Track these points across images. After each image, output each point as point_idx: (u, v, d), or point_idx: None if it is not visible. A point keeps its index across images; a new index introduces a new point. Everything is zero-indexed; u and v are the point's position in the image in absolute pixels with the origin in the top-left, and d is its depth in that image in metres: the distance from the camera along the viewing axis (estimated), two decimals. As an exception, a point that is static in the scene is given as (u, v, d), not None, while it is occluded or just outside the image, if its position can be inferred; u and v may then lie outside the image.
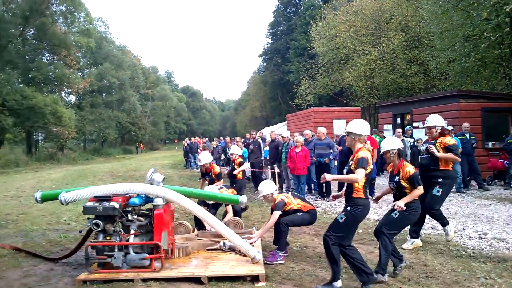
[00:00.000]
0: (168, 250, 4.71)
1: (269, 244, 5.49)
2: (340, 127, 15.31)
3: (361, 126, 4.01)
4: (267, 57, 40.71)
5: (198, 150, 17.76)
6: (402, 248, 5.16)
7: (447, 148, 5.23)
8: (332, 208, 8.24)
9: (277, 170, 9.16)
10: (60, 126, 28.72)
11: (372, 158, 4.30)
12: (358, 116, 18.07)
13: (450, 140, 5.31)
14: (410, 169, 4.52)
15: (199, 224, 6.04)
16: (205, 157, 6.89)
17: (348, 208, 3.87)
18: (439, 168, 5.24)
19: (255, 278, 4.20)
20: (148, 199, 4.77)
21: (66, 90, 37.37)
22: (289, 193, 5.41)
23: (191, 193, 5.13)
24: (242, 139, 15.49)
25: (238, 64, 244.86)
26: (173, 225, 5.15)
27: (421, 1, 17.35)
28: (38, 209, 8.48)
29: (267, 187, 5.14)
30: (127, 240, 4.45)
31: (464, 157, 8.81)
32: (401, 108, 14.84)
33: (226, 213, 6.40)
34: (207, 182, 6.99)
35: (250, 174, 11.65)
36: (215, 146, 16.08)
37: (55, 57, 34.05)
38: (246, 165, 7.49)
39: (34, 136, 33.76)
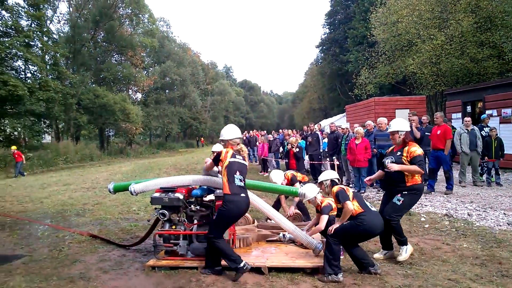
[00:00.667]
0: (230, 240, 4.88)
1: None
2: (403, 118, 14.62)
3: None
4: (324, 47, 39.86)
5: (257, 143, 17.99)
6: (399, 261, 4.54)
7: (412, 160, 4.43)
8: (395, 202, 7.93)
9: (336, 162, 8.99)
10: (128, 122, 30.61)
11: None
12: (423, 105, 17.14)
13: (416, 150, 4.47)
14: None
15: None
16: (277, 177, 6.19)
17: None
18: (405, 184, 4.45)
19: (315, 270, 4.21)
20: (209, 190, 4.96)
21: (133, 88, 39.74)
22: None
23: (251, 185, 5.22)
24: (300, 132, 15.41)
25: (295, 56, 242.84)
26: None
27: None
28: (111, 200, 9.17)
29: (310, 190, 4.76)
30: (191, 230, 4.68)
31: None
32: (472, 95, 13.81)
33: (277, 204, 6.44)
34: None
35: (309, 167, 11.57)
36: (272, 139, 16.16)
37: (122, 58, 36.29)
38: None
39: (106, 132, 36.33)
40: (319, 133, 11.93)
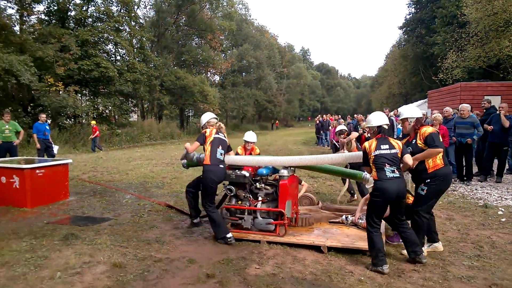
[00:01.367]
0: (292, 219, 5.04)
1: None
2: (494, 104, 13.36)
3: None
4: (408, 28, 37.30)
5: (330, 128, 17.76)
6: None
7: (424, 141, 4.13)
8: (472, 193, 7.42)
9: (409, 150, 8.60)
10: (206, 104, 31.98)
11: None
12: (517, 92, 15.42)
13: (426, 129, 4.18)
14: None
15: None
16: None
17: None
18: (427, 171, 4.14)
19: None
20: (275, 170, 5.13)
21: (211, 70, 41.29)
22: None
23: (322, 168, 5.28)
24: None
25: (375, 38, 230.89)
26: (298, 196, 5.44)
27: None
28: (187, 175, 9.82)
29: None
30: (255, 206, 4.91)
31: None
32: None
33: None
34: None
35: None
36: (345, 123, 15.83)
37: (202, 41, 37.73)
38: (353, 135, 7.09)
39: (186, 112, 38.40)
40: (394, 118, 11.42)
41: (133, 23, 26.23)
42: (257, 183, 5.04)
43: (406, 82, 40.82)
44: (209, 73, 42.24)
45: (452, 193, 7.57)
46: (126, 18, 24.63)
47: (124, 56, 26.61)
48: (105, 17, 22.91)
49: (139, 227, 5.32)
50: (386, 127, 4.18)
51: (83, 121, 22.80)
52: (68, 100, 18.76)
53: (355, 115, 18.39)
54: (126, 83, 23.02)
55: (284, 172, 4.85)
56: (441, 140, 4.17)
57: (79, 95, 23.78)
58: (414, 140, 4.27)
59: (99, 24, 22.75)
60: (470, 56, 21.20)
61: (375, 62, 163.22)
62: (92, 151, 17.71)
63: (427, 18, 33.57)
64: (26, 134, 12.86)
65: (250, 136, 6.22)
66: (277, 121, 55.21)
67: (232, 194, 5.00)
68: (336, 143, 14.65)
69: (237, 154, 5.90)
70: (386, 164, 3.90)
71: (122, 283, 3.50)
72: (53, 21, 22.04)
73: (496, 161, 8.73)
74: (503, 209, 6.16)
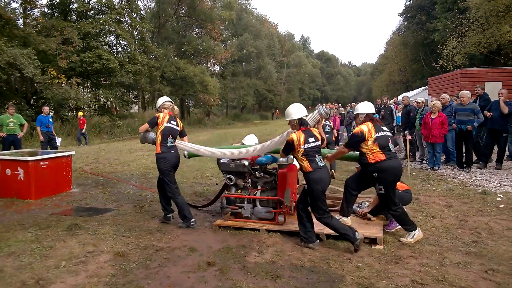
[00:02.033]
0: (291, 207, 5.12)
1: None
2: (494, 91, 13.34)
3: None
4: (408, 15, 37.01)
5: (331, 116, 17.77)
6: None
7: None
8: (472, 180, 7.49)
9: (408, 137, 8.64)
10: (207, 94, 31.95)
11: None
12: (518, 78, 15.38)
13: (358, 127, 4.37)
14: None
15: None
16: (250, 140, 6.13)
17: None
18: (369, 164, 4.28)
19: (372, 241, 4.28)
20: (274, 159, 5.20)
21: (211, 61, 41.07)
22: None
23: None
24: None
25: (375, 26, 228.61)
26: (297, 185, 5.50)
27: None
28: (187, 166, 9.90)
29: None
30: (255, 195, 4.99)
31: None
32: None
33: None
34: None
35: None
36: (344, 112, 15.85)
37: (202, 31, 37.51)
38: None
39: (186, 103, 38.35)
40: (393, 106, 11.44)
41: (134, 15, 26.13)
42: (256, 172, 5.11)
43: (407, 69, 40.63)
44: (209, 63, 42.03)
45: (451, 180, 7.63)
46: (127, 10, 24.54)
47: (125, 47, 26.60)
48: (107, 9, 22.82)
49: (141, 217, 5.42)
50: (306, 118, 4.32)
51: (85, 113, 22.86)
52: (70, 93, 18.83)
53: (354, 104, 18.40)
54: (127, 74, 23.00)
55: (283, 161, 4.92)
56: (367, 138, 4.22)
57: (81, 87, 23.80)
58: None
59: (101, 17, 22.68)
60: (470, 42, 21.12)
61: (376, 49, 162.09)
62: (78, 141, 16.92)
63: (427, 4, 33.30)
64: (29, 126, 12.93)
65: (250, 140, 5.98)
66: (277, 111, 55.11)
67: (231, 183, 5.08)
68: (337, 132, 14.72)
69: None
70: (316, 155, 4.16)
71: (125, 271, 3.59)
72: (56, 14, 22.00)
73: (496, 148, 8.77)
74: (501, 196, 6.22)
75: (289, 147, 4.19)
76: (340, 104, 24.04)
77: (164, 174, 5.00)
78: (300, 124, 4.22)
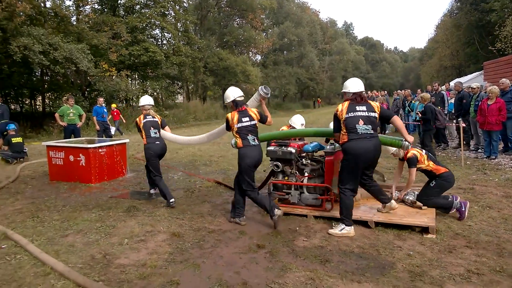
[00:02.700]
0: (338, 194, 5.13)
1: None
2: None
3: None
4: (461, -5, 34.95)
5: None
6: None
7: None
8: (531, 170, 7.09)
9: (462, 125, 8.27)
10: (248, 83, 32.17)
11: None
12: None
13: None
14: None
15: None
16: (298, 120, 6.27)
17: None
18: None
19: (424, 230, 4.21)
20: (321, 146, 5.23)
21: (253, 50, 41.17)
22: (423, 151, 4.87)
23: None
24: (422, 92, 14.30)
25: (424, 8, 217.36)
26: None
27: None
28: (232, 153, 10.14)
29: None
30: (302, 181, 5.07)
31: None
32: None
33: None
34: None
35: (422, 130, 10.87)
36: (392, 99, 15.41)
37: (243, 21, 37.65)
38: None
39: (229, 93, 38.75)
40: (444, 92, 10.98)
41: (177, 8, 26.74)
42: (303, 159, 5.18)
43: (459, 53, 38.41)
44: (250, 52, 42.17)
45: (509, 169, 7.26)
46: (171, 3, 25.16)
47: (170, 40, 27.36)
48: (152, 3, 23.60)
49: (192, 202, 5.68)
50: (240, 99, 4.70)
51: (134, 104, 23.87)
52: (121, 84, 19.74)
53: (401, 91, 17.81)
54: (172, 66, 23.69)
55: (330, 149, 4.95)
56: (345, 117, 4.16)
57: (130, 79, 24.85)
58: None
59: (147, 11, 23.50)
60: (531, 23, 19.64)
61: (424, 33, 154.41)
62: (119, 132, 16.87)
63: (483, -17, 31.21)
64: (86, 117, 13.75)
65: (297, 119, 6.03)
66: (319, 99, 54.39)
67: (279, 170, 5.18)
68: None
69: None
70: (249, 134, 4.55)
71: (181, 250, 3.83)
72: (105, 10, 23.03)
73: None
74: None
75: (227, 125, 4.71)
76: (386, 92, 23.35)
77: (150, 164, 5.65)
78: (235, 105, 4.68)
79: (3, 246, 3.93)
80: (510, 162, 7.87)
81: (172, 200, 5.39)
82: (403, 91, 16.35)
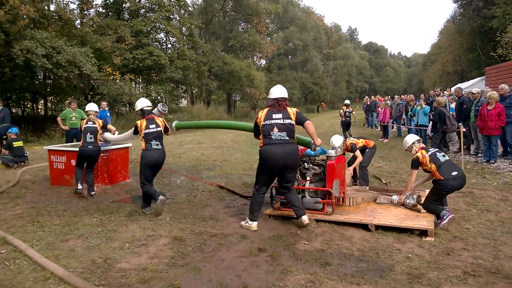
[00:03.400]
0: (340, 198, 5.17)
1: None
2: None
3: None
4: (464, 1, 34.81)
5: (378, 109, 17.36)
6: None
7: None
8: (533, 175, 7.08)
9: (462, 129, 8.29)
10: (253, 88, 32.24)
11: None
12: None
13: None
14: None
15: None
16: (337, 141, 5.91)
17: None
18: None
19: (423, 233, 4.24)
20: (323, 151, 5.26)
21: (257, 54, 41.29)
22: (428, 152, 4.85)
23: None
24: (426, 97, 14.32)
25: (427, 14, 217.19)
26: (345, 176, 5.53)
27: None
28: (236, 158, 10.19)
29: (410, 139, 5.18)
30: (304, 185, 5.10)
31: None
32: None
33: None
34: None
35: (430, 132, 10.89)
36: (395, 104, 15.41)
37: (248, 25, 37.81)
38: None
39: (233, 97, 38.95)
40: (446, 98, 10.97)
41: (182, 12, 26.89)
42: (305, 163, 5.21)
43: (462, 59, 38.36)
44: (255, 57, 42.29)
45: (509, 174, 7.27)
46: (176, 7, 25.32)
47: (174, 44, 27.45)
48: (157, 7, 23.72)
49: (194, 206, 5.71)
50: (147, 108, 5.48)
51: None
52: (124, 88, 19.80)
53: (403, 96, 17.81)
54: (177, 70, 23.79)
55: (332, 153, 4.98)
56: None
57: (134, 83, 24.96)
58: None
59: (152, 14, 23.64)
60: (534, 28, 19.62)
61: (428, 39, 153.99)
62: None
63: (486, -11, 31.18)
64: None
65: (337, 140, 5.85)
66: (323, 103, 54.36)
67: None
68: (386, 124, 14.38)
69: None
70: (153, 139, 5.27)
71: (183, 254, 3.86)
72: (110, 13, 23.20)
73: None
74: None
75: (135, 130, 5.42)
76: (389, 96, 23.34)
77: (80, 163, 6.35)
78: (143, 114, 5.45)
79: (2, 251, 3.93)
80: (509, 166, 7.90)
81: (80, 188, 6.23)
82: (406, 96, 16.35)
